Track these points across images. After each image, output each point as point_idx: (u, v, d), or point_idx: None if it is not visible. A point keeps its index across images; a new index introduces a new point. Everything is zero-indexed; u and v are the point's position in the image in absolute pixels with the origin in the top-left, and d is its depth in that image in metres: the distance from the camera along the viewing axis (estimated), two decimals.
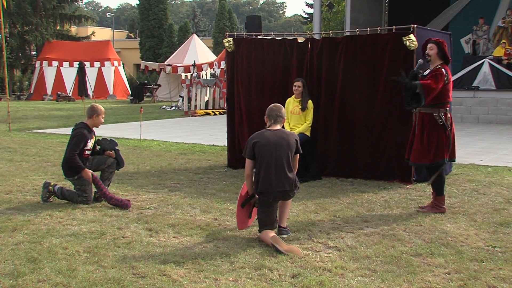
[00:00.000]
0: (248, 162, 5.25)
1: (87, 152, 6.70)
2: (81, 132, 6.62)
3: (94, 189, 6.67)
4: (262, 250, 4.87)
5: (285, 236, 5.23)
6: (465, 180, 7.96)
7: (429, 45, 6.40)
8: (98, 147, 6.94)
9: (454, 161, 6.69)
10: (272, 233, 5.03)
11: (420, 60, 6.57)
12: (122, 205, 6.38)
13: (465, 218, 5.97)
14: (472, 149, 11.21)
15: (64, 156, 6.69)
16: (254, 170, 5.25)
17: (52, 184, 6.71)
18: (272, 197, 5.14)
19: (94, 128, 6.84)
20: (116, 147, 6.96)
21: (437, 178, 6.34)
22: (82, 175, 6.53)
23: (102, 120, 6.83)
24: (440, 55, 6.31)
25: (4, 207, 6.37)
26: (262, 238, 5.10)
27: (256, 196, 5.28)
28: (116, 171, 7.03)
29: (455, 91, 12.46)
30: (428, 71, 6.38)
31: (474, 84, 17.21)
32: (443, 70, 6.23)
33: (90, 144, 6.73)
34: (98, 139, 7.00)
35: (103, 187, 6.55)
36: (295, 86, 8.06)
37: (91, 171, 6.62)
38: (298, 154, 5.34)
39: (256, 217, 5.35)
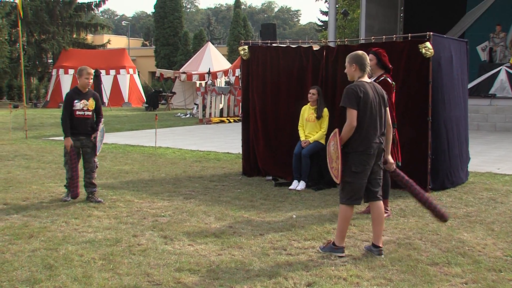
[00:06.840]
0: (353, 113, 4.93)
1: (78, 113, 6.98)
2: (67, 95, 7.12)
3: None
4: (277, 258, 4.86)
5: (378, 256, 4.91)
6: (482, 189, 7.88)
7: (368, 56, 6.41)
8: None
9: (400, 165, 6.53)
10: (350, 213, 5.09)
11: None
12: (74, 186, 6.96)
13: (483, 227, 5.91)
14: (489, 157, 11.10)
15: None
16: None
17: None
18: (371, 150, 4.94)
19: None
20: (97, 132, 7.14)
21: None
22: (64, 140, 6.98)
23: (87, 81, 7.05)
24: (380, 65, 6.32)
25: (21, 214, 6.43)
26: (340, 211, 5.05)
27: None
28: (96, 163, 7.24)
29: (471, 98, 12.46)
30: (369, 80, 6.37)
31: (490, 92, 17.08)
32: (388, 80, 6.26)
33: (80, 105, 6.99)
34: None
35: (73, 159, 6.94)
36: (310, 93, 8.06)
37: (71, 142, 6.92)
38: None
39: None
